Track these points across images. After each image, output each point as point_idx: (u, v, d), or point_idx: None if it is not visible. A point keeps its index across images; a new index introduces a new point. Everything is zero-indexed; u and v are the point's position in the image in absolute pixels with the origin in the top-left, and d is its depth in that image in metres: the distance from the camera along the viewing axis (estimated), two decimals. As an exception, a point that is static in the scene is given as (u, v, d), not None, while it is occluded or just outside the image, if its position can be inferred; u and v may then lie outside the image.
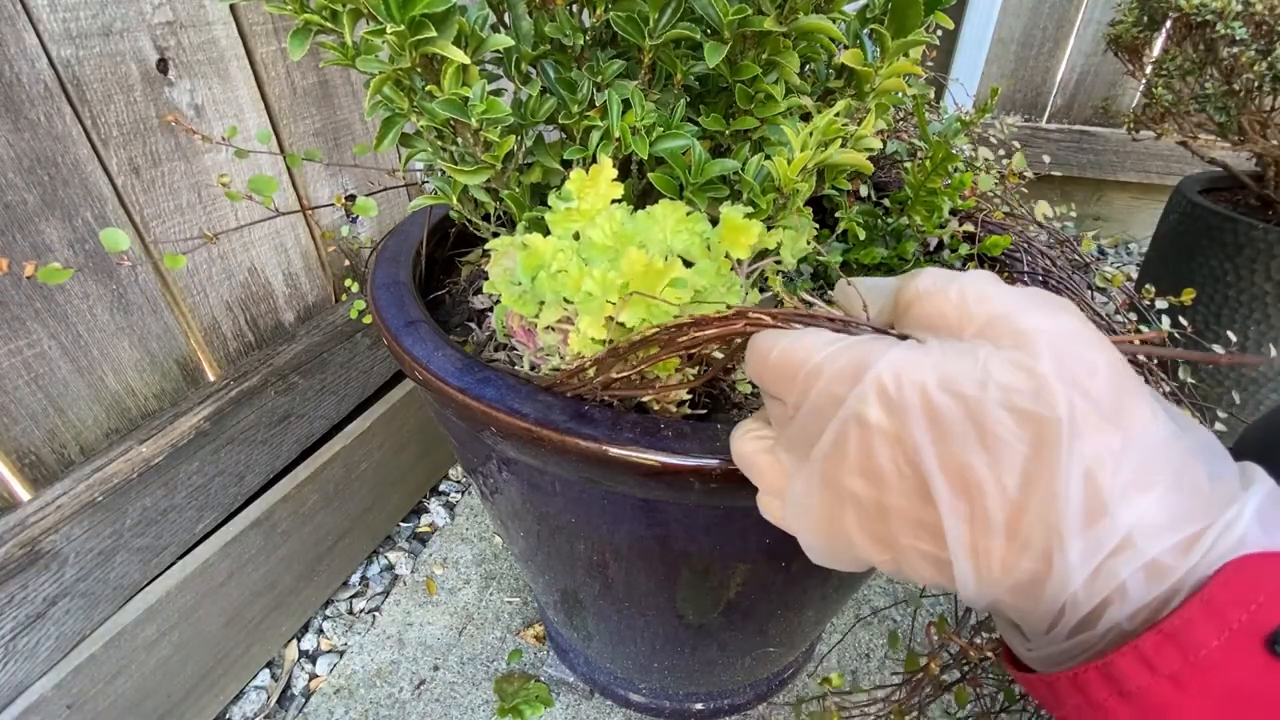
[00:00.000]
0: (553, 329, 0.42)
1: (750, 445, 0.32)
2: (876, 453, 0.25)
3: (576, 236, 0.42)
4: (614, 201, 0.42)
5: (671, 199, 0.43)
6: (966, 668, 0.54)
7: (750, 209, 0.42)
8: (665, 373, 0.38)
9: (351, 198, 0.65)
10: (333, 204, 0.65)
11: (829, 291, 0.59)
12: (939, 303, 0.26)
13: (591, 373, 0.37)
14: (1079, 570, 0.22)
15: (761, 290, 0.46)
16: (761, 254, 0.46)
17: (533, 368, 0.46)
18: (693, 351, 0.34)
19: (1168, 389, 0.52)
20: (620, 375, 0.37)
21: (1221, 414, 0.67)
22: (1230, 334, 0.71)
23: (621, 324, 0.38)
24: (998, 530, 0.23)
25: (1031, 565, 0.22)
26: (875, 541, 0.26)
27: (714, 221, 0.42)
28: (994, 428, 0.22)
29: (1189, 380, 0.65)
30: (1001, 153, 0.77)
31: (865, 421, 0.25)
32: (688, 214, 0.42)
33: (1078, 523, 0.21)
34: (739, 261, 0.41)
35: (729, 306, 0.32)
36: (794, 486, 0.29)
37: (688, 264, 0.41)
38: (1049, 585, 0.22)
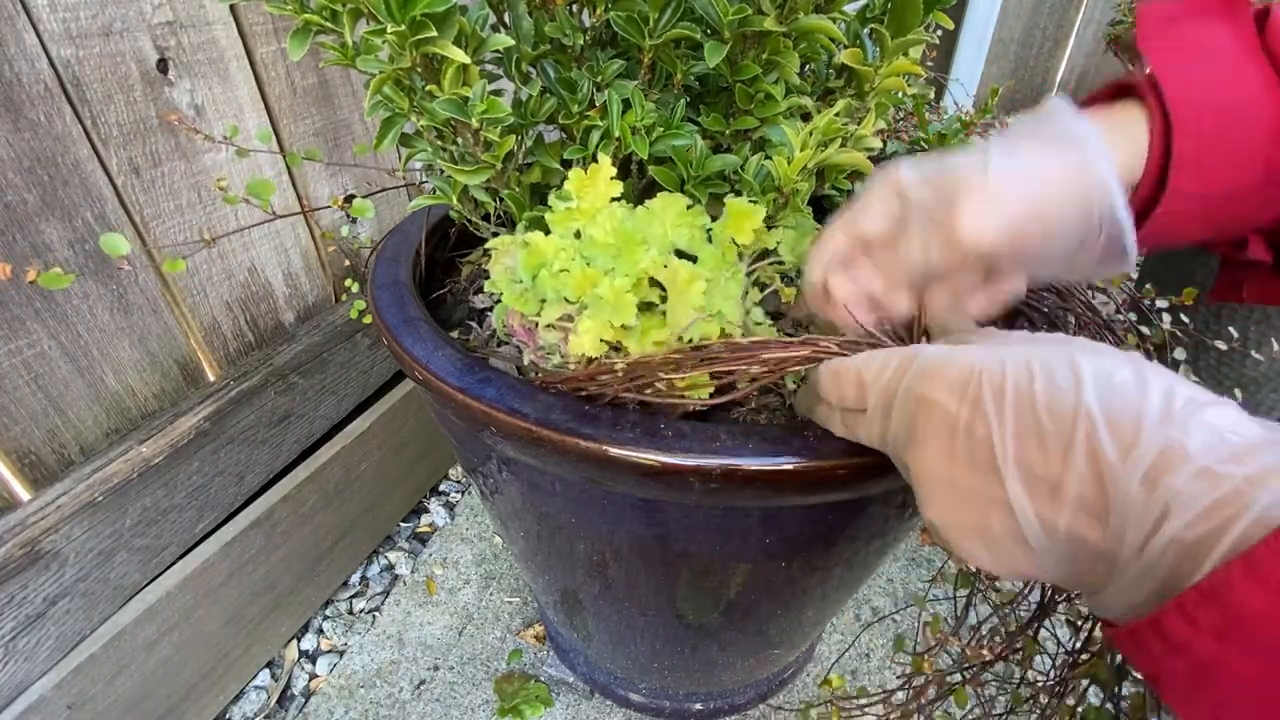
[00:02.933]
0: (554, 327, 0.42)
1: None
2: (952, 439, 0.28)
3: (578, 235, 0.42)
4: (613, 199, 0.42)
5: (672, 192, 0.43)
6: (969, 669, 0.54)
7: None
8: (691, 388, 0.38)
9: (350, 199, 0.65)
10: (331, 205, 0.65)
11: None
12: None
13: (620, 372, 0.37)
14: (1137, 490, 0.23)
15: (762, 289, 0.46)
16: (761, 254, 0.46)
17: (532, 365, 0.46)
18: (759, 376, 0.36)
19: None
20: (645, 384, 0.37)
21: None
22: (1232, 329, 0.71)
23: (628, 328, 0.38)
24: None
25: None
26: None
27: (714, 219, 0.43)
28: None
29: (1191, 378, 0.65)
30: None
31: (927, 400, 0.28)
32: (688, 207, 0.42)
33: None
34: (739, 257, 0.42)
35: (793, 335, 0.35)
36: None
37: (691, 257, 0.42)
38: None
